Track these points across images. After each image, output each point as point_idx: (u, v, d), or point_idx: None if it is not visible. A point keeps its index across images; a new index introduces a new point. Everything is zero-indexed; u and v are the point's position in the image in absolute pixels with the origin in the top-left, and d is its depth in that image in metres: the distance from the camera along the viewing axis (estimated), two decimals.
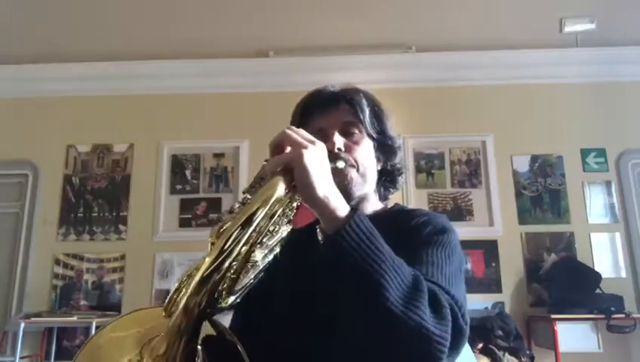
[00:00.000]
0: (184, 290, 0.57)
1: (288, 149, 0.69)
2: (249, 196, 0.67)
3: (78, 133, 3.74)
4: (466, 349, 1.35)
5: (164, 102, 3.75)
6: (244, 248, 0.62)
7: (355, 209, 0.70)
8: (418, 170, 3.59)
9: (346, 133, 0.97)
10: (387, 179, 1.06)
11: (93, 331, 2.99)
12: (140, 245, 3.50)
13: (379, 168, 1.03)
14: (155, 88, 3.77)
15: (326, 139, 0.94)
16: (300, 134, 0.70)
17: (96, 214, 3.60)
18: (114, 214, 3.60)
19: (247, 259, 0.65)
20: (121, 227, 3.57)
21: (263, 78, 3.73)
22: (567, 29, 3.49)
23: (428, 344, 0.64)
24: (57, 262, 3.50)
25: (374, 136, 0.99)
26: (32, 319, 3.10)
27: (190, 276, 0.58)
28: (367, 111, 0.98)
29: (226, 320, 0.77)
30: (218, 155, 3.68)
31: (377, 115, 1.01)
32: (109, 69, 3.72)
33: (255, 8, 3.32)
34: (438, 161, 3.62)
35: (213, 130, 3.69)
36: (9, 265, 3.49)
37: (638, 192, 3.50)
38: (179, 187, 3.64)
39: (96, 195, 3.64)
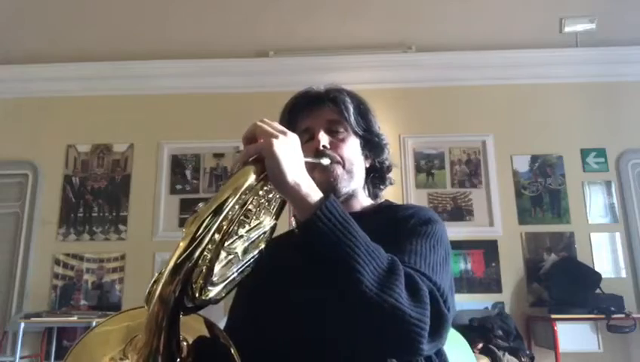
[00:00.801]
0: (161, 280, 0.57)
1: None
2: (223, 184, 0.68)
3: (78, 133, 3.74)
4: (466, 349, 1.35)
5: (164, 102, 3.75)
6: (215, 236, 0.62)
7: (327, 195, 0.70)
8: (418, 170, 3.59)
9: (332, 132, 0.98)
10: (376, 175, 1.07)
11: None
12: (140, 245, 3.50)
13: (367, 165, 1.04)
14: (155, 88, 3.77)
15: (312, 137, 0.96)
16: (271, 125, 0.71)
17: (96, 214, 3.60)
18: (114, 214, 3.60)
19: (220, 247, 0.65)
20: (121, 227, 3.57)
21: (263, 78, 3.72)
22: (567, 29, 3.50)
23: (405, 326, 0.64)
24: (57, 262, 3.50)
25: (360, 133, 1.00)
26: (32, 319, 3.09)
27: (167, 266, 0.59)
28: (351, 109, 0.99)
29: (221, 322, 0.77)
30: (218, 155, 3.68)
31: (362, 112, 1.02)
32: (109, 69, 3.72)
33: (255, 8, 3.32)
34: (438, 161, 3.62)
35: (213, 130, 3.68)
36: (9, 265, 3.49)
37: (638, 192, 3.50)
38: (179, 187, 3.64)
39: (96, 195, 3.64)
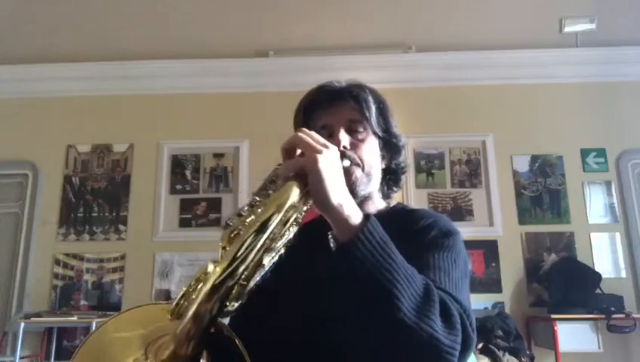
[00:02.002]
0: (193, 296, 0.56)
1: (298, 151, 0.69)
2: (258, 198, 0.67)
3: (78, 133, 3.74)
4: None
5: (164, 102, 3.75)
6: (258, 255, 0.60)
7: (367, 216, 0.68)
8: (418, 170, 3.59)
9: (352, 131, 0.95)
10: (391, 177, 1.04)
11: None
12: (140, 245, 3.50)
13: (383, 167, 1.01)
14: (155, 88, 3.77)
15: (331, 136, 0.93)
16: (314, 138, 0.69)
17: (96, 214, 3.60)
18: (114, 214, 3.60)
19: (259, 264, 0.64)
20: (121, 227, 3.57)
21: (263, 78, 3.72)
22: (567, 29, 3.50)
23: (438, 354, 0.64)
24: (57, 262, 3.50)
25: (380, 134, 0.98)
26: (32, 319, 3.09)
27: (199, 281, 0.57)
28: (373, 108, 0.96)
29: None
30: (218, 155, 3.68)
31: (383, 112, 0.99)
32: (109, 69, 3.72)
33: (255, 8, 3.33)
34: (438, 161, 3.62)
35: (213, 130, 3.68)
36: (9, 265, 3.49)
37: (638, 192, 3.50)
38: (179, 187, 3.64)
39: (96, 195, 3.64)
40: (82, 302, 3.43)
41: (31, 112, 3.77)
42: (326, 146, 0.68)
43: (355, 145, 0.93)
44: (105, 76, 3.73)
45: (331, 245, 0.68)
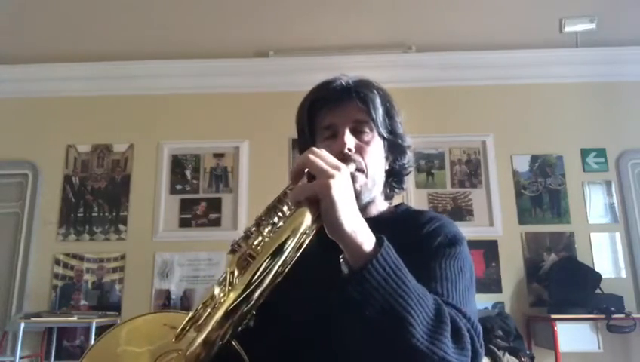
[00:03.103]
0: (201, 321, 0.56)
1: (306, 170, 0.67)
2: (264, 219, 0.66)
3: (78, 133, 3.74)
4: None
5: (164, 102, 3.76)
6: (274, 279, 0.59)
7: (380, 240, 0.67)
8: (418, 170, 3.59)
9: (357, 131, 0.92)
10: (394, 178, 1.02)
11: (93, 331, 2.98)
12: (140, 245, 3.50)
13: (386, 168, 0.98)
14: (155, 88, 3.77)
15: (335, 136, 0.91)
16: (325, 159, 0.66)
17: (96, 214, 3.60)
18: (114, 214, 3.60)
19: (273, 288, 0.62)
20: (121, 227, 3.57)
21: (263, 78, 3.72)
22: (567, 29, 3.50)
23: None
24: (57, 262, 3.50)
25: (385, 135, 0.95)
26: (32, 319, 3.09)
27: (205, 305, 0.56)
28: (380, 109, 0.93)
29: None
30: (218, 155, 3.68)
31: (390, 112, 0.96)
32: (109, 69, 3.72)
33: (255, 8, 3.32)
34: (438, 161, 3.62)
35: (213, 130, 3.68)
36: (9, 265, 3.49)
37: (638, 192, 3.50)
38: (179, 187, 3.64)
39: (96, 195, 3.64)
40: (82, 302, 3.43)
41: (31, 112, 3.77)
42: (337, 168, 0.66)
43: (359, 148, 0.91)
44: (105, 76, 3.73)
45: (343, 270, 0.67)
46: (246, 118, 3.67)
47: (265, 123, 3.59)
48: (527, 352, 2.94)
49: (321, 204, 0.63)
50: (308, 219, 0.63)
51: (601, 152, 3.56)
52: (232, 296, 0.55)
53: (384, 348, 0.63)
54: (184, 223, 3.56)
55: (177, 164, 3.68)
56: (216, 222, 3.53)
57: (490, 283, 3.35)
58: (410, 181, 3.53)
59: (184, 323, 0.59)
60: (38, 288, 3.45)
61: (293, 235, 0.60)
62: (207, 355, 0.54)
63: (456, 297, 0.75)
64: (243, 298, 0.55)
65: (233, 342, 0.61)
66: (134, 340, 0.63)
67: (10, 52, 3.63)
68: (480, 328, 0.72)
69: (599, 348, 3.01)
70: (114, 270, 3.48)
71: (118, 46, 3.63)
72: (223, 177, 3.64)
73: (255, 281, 0.56)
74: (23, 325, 2.99)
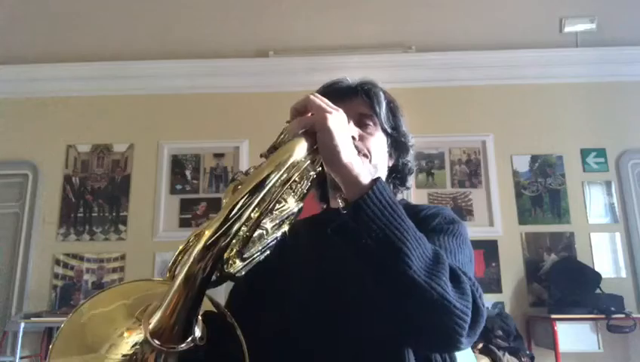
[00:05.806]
0: (189, 252, 0.55)
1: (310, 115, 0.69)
2: (267, 155, 0.66)
3: (78, 133, 3.74)
4: (466, 349, 1.35)
5: (164, 102, 3.75)
6: (254, 213, 0.59)
7: (377, 177, 0.69)
8: (418, 170, 3.59)
9: (361, 125, 0.95)
10: (397, 176, 1.04)
11: None
12: (140, 245, 3.50)
13: (390, 165, 1.01)
14: (155, 88, 3.77)
15: None
16: (323, 100, 0.69)
17: (96, 214, 3.60)
18: (114, 214, 3.60)
19: (257, 224, 0.62)
20: (121, 227, 3.57)
21: (263, 78, 3.72)
22: (567, 29, 3.50)
23: (450, 316, 0.63)
24: (57, 262, 3.50)
25: (388, 131, 0.98)
26: (32, 319, 3.09)
27: (198, 236, 0.56)
28: (383, 104, 0.97)
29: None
30: (218, 155, 3.68)
31: (393, 110, 1.00)
32: (109, 68, 3.72)
33: (255, 8, 3.33)
34: (438, 161, 3.62)
35: (213, 130, 3.68)
36: (9, 265, 3.49)
37: (638, 192, 3.50)
38: (179, 187, 3.64)
39: (96, 195, 3.64)
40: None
41: (31, 112, 3.77)
42: (336, 110, 0.69)
43: (363, 138, 0.93)
44: (105, 76, 3.73)
45: (340, 205, 0.68)
46: (246, 118, 3.66)
47: (265, 123, 3.56)
48: (527, 352, 2.94)
49: (318, 136, 0.65)
50: (301, 150, 0.63)
51: (601, 152, 3.56)
52: (212, 227, 0.54)
53: (385, 283, 0.64)
54: (184, 223, 3.56)
55: (177, 164, 3.68)
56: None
57: (490, 283, 3.35)
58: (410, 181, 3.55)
59: (176, 254, 0.59)
60: (38, 288, 3.45)
61: (277, 170, 0.60)
62: (189, 292, 0.53)
63: (454, 263, 0.74)
64: (222, 231, 0.54)
65: (227, 318, 0.60)
66: (105, 305, 0.59)
67: (10, 52, 3.63)
68: (481, 289, 0.71)
69: (599, 348, 3.02)
70: (114, 270, 3.48)
71: (118, 46, 3.63)
72: (223, 177, 3.64)
73: (233, 216, 0.55)
74: (23, 325, 2.99)
